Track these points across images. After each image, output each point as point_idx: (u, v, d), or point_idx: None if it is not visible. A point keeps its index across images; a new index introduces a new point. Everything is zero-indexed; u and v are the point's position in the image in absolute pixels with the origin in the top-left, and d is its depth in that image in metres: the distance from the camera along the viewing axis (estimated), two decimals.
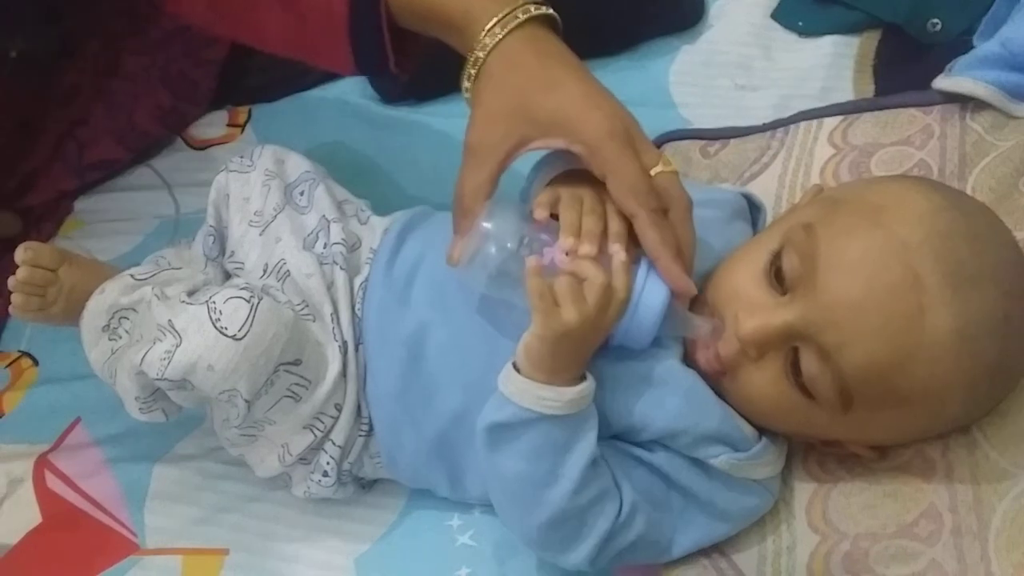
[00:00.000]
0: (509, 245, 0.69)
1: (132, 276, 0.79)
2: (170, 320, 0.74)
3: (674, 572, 0.76)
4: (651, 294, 0.69)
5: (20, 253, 0.80)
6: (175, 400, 0.77)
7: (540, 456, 0.69)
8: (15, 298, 0.81)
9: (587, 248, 0.68)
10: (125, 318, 0.77)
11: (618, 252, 0.69)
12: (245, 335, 0.72)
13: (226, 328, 0.71)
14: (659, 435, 0.72)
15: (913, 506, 0.70)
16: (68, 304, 0.81)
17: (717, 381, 0.73)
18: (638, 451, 0.73)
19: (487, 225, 0.69)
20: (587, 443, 0.70)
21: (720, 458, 0.71)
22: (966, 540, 0.67)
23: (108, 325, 0.78)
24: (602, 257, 0.69)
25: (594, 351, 0.70)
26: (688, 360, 0.73)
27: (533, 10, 0.74)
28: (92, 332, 0.79)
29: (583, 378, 0.70)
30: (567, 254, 0.68)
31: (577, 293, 0.67)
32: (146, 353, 0.74)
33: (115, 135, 1.09)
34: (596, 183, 0.71)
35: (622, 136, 0.71)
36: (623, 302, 0.68)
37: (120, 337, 0.77)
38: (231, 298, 0.73)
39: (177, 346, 0.72)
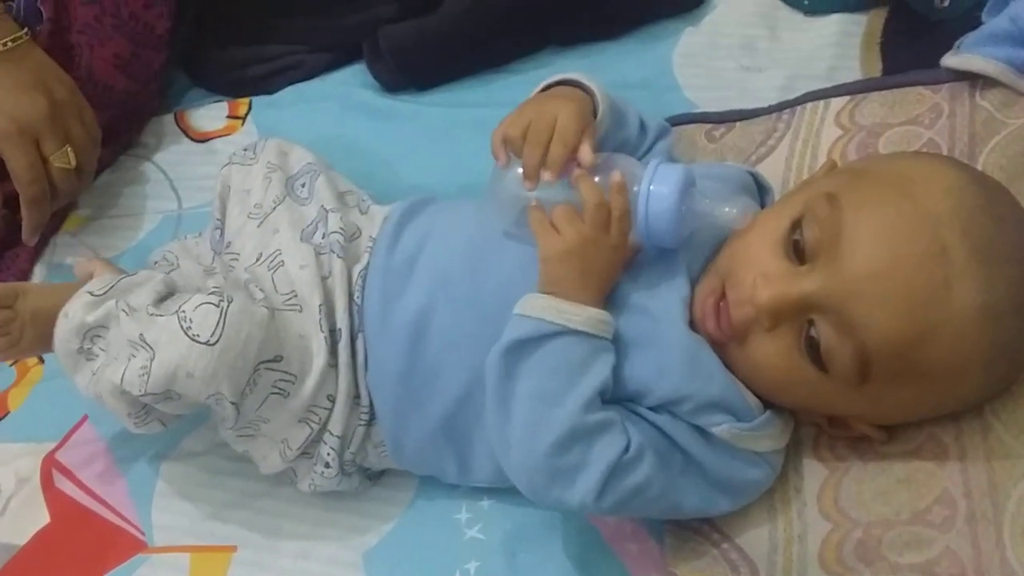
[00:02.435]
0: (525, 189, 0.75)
1: (91, 293, 0.79)
2: (141, 334, 0.74)
3: (682, 561, 0.76)
4: (659, 191, 0.71)
5: None
6: (165, 410, 0.78)
7: (556, 372, 0.70)
8: None
9: (547, 176, 0.74)
10: (98, 335, 0.78)
11: (615, 173, 0.73)
12: (218, 340, 0.72)
13: (198, 335, 0.72)
14: (662, 400, 0.72)
15: (926, 492, 0.70)
16: (37, 333, 0.82)
17: (724, 349, 0.72)
18: (643, 411, 0.73)
19: (518, 170, 0.75)
20: (603, 367, 0.71)
21: (722, 427, 0.71)
22: (981, 526, 0.66)
23: (82, 347, 0.78)
24: (605, 175, 0.73)
25: (614, 274, 0.73)
26: (695, 327, 0.73)
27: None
28: (69, 357, 0.79)
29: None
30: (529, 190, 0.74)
31: (572, 216, 0.72)
32: (124, 371, 0.74)
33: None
34: (564, 102, 0.77)
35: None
36: (621, 219, 0.72)
37: (97, 356, 0.78)
38: (200, 304, 0.73)
39: (152, 359, 0.73)
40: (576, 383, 0.70)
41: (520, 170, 0.75)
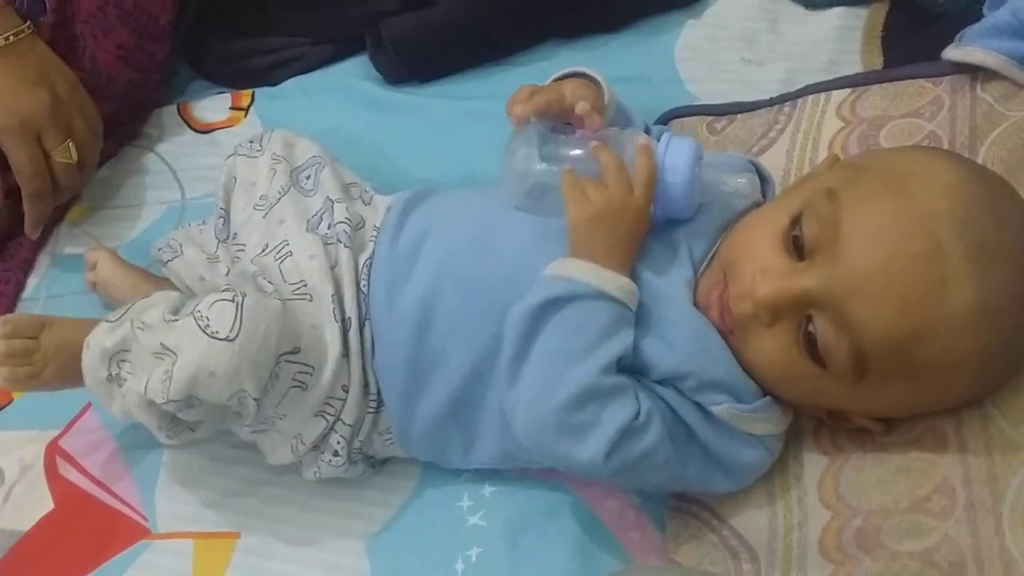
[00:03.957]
0: (540, 164, 0.77)
1: (107, 320, 0.79)
2: (162, 343, 0.74)
3: (683, 548, 0.77)
4: (674, 161, 0.75)
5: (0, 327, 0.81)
6: (188, 419, 0.77)
7: (581, 332, 0.70)
8: (1, 371, 0.82)
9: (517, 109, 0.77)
10: (123, 360, 0.77)
11: (640, 136, 0.76)
12: (237, 334, 0.72)
13: (217, 332, 0.72)
14: (667, 375, 0.73)
15: (926, 481, 0.70)
16: (60, 367, 0.81)
17: (728, 339, 0.73)
18: (649, 383, 0.73)
19: (528, 149, 0.77)
20: (625, 337, 0.71)
21: (721, 406, 0.72)
22: (980, 515, 0.67)
23: (110, 374, 0.78)
24: (619, 147, 0.76)
25: (637, 243, 0.74)
26: (699, 309, 0.74)
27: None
28: (101, 388, 0.79)
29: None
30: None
31: (599, 185, 0.74)
32: (147, 381, 0.74)
33: (83, 86, 1.04)
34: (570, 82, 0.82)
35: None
36: (647, 182, 0.74)
37: (125, 380, 0.77)
38: (215, 302, 0.73)
39: (175, 363, 0.72)
40: (599, 346, 0.70)
41: (529, 147, 0.77)
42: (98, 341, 0.78)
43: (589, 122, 0.78)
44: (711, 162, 0.79)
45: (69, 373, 0.80)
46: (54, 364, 0.82)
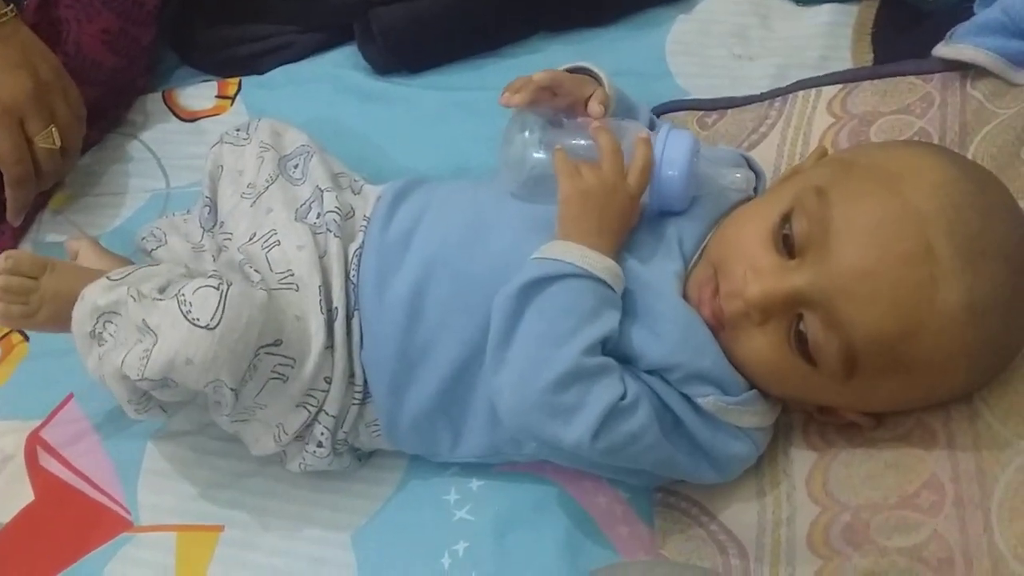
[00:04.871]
0: (538, 152, 0.78)
1: (108, 278, 0.79)
2: (144, 319, 0.74)
3: (671, 542, 0.76)
4: (672, 154, 0.75)
5: (1, 262, 0.81)
6: (163, 398, 0.77)
7: (566, 314, 0.70)
8: None
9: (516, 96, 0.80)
10: (109, 321, 0.77)
11: (642, 130, 0.77)
12: (218, 323, 0.71)
13: (198, 319, 0.71)
14: (654, 366, 0.73)
15: (914, 477, 0.70)
16: (55, 311, 0.81)
17: (718, 334, 0.73)
18: (636, 371, 0.73)
19: (526, 134, 0.78)
20: (610, 319, 0.71)
21: (708, 398, 0.72)
22: (968, 511, 0.67)
23: (94, 330, 0.77)
24: (619, 135, 0.77)
25: (626, 229, 0.75)
26: (688, 301, 0.74)
27: None
28: (82, 340, 0.78)
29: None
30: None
31: (593, 166, 0.75)
32: (126, 355, 0.74)
33: (67, 70, 1.03)
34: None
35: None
36: (644, 170, 0.75)
37: (106, 341, 0.77)
38: (200, 288, 0.72)
39: (154, 344, 0.72)
40: (583, 327, 0.70)
41: (527, 134, 0.78)
42: (93, 296, 0.77)
43: (591, 110, 0.78)
44: (707, 156, 0.79)
45: (63, 319, 0.79)
46: (49, 308, 0.82)
